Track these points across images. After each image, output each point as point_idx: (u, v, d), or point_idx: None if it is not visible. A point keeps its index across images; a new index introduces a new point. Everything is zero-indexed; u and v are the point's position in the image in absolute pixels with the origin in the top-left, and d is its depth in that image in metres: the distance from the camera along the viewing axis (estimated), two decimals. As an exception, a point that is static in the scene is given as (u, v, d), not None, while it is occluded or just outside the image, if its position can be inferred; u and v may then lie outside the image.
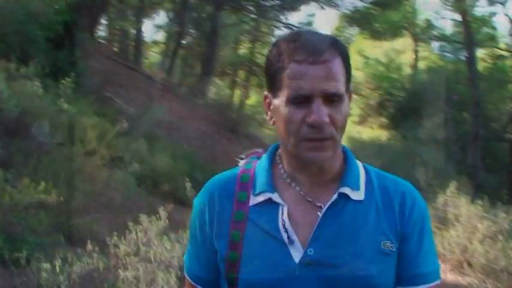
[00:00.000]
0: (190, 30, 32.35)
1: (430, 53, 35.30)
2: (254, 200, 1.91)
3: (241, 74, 37.44)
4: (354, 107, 37.61)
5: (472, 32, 23.43)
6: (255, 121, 28.29)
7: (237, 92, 36.05)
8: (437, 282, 1.95)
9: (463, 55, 24.11)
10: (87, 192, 8.16)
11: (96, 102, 13.62)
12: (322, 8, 28.81)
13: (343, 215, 1.86)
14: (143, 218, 6.28)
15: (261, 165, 2.00)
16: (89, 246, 5.79)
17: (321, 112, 1.74)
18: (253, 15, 32.22)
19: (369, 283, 1.82)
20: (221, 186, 1.98)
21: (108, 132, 10.87)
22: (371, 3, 27.22)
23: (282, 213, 1.86)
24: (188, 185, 9.40)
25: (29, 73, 10.85)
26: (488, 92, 24.86)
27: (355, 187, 1.90)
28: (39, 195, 6.97)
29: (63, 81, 11.31)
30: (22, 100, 9.17)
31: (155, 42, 36.95)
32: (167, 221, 6.38)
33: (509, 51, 25.86)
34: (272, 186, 1.91)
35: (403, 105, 26.59)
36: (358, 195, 1.90)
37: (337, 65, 1.80)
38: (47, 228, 6.85)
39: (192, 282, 2.06)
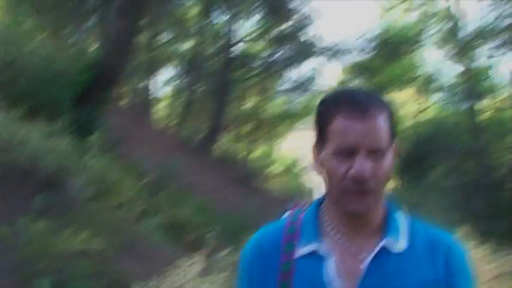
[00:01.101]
0: (199, 86, 33.04)
1: (433, 104, 35.71)
2: (300, 252, 1.96)
3: (247, 127, 38.09)
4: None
5: (473, 83, 23.88)
6: (261, 175, 28.87)
7: (243, 146, 36.63)
8: None
9: (465, 106, 24.53)
10: (121, 243, 8.75)
11: (115, 158, 14.19)
12: (328, 61, 29.55)
13: (386, 267, 1.91)
14: (180, 262, 6.88)
15: (307, 217, 2.06)
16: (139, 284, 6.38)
17: (364, 166, 1.83)
18: (259, 70, 33.04)
19: None
20: (269, 238, 2.05)
21: (132, 186, 11.50)
22: (374, 56, 27.87)
23: (328, 265, 1.92)
24: (211, 235, 9.95)
25: (57, 130, 11.39)
26: (489, 142, 25.06)
27: (397, 238, 1.95)
28: (80, 244, 7.58)
29: (89, 138, 11.90)
30: (56, 156, 9.80)
31: (163, 98, 37.46)
32: (204, 264, 6.97)
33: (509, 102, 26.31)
34: (318, 238, 1.98)
35: (407, 156, 26.43)
36: (399, 246, 1.94)
37: (382, 121, 1.87)
38: (90, 275, 7.42)
39: None
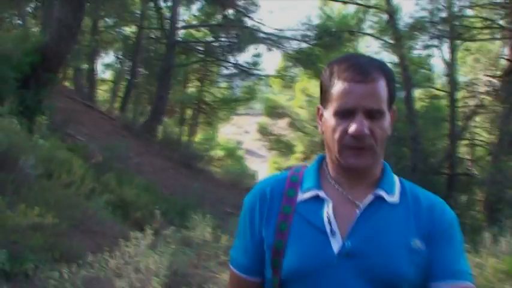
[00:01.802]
0: (141, 70, 33.17)
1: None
2: (302, 196, 2.13)
3: (190, 112, 38.28)
4: (298, 144, 38.59)
5: (409, 73, 24.44)
6: (204, 157, 29.19)
7: (186, 130, 36.77)
8: (469, 284, 2.04)
9: (402, 95, 25.12)
10: (72, 218, 9.09)
11: (62, 138, 14.44)
12: (269, 49, 29.82)
13: (379, 214, 2.07)
14: (129, 237, 7.30)
15: (309, 169, 2.24)
16: (90, 258, 6.79)
17: (362, 125, 1.98)
18: (202, 55, 33.25)
19: (396, 274, 1.99)
20: (272, 184, 2.22)
21: (80, 166, 11.80)
22: (315, 44, 28.27)
23: (327, 208, 2.07)
24: (158, 212, 10.35)
25: (4, 111, 11.59)
26: (425, 129, 25.73)
27: (390, 192, 2.12)
28: (34, 218, 7.92)
29: (38, 118, 12.14)
30: (6, 136, 10.07)
31: (104, 81, 37.38)
32: (154, 237, 7.40)
33: (444, 91, 26.91)
34: (319, 185, 2.14)
35: None
36: (392, 199, 2.11)
37: (381, 86, 2.03)
38: (44, 247, 7.77)
39: (237, 272, 2.26)
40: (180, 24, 31.14)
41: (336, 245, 2.02)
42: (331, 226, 2.03)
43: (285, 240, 2.07)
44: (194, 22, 33.19)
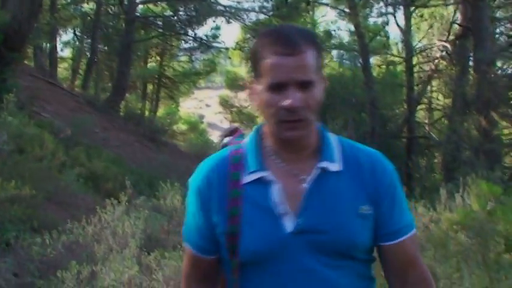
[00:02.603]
0: (101, 46, 33.22)
1: (331, 61, 36.88)
2: (247, 179, 2.11)
3: (151, 86, 38.45)
4: (259, 115, 38.99)
5: (365, 41, 24.83)
6: (167, 131, 29.49)
7: (147, 105, 36.95)
8: (413, 231, 2.16)
9: (359, 62, 25.51)
10: (46, 191, 9.47)
11: (29, 116, 14.69)
12: (228, 22, 30.01)
13: (325, 187, 2.07)
14: (108, 202, 7.71)
15: (249, 146, 2.20)
16: (69, 225, 7.19)
17: (295, 98, 1.96)
18: (161, 30, 33.35)
19: (351, 243, 2.05)
20: (215, 168, 2.18)
21: (49, 141, 12.14)
22: (272, 15, 28.51)
23: (273, 190, 2.06)
24: (128, 183, 10.71)
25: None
26: (383, 94, 26.21)
27: (332, 160, 2.11)
28: (12, 191, 8.28)
29: (6, 96, 12.38)
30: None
31: (63, 59, 37.26)
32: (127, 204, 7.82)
33: (400, 57, 27.58)
34: (262, 165, 2.11)
35: None
36: (335, 166, 2.10)
37: (310, 56, 2.01)
38: (21, 218, 8.13)
39: (194, 251, 2.25)
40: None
41: (288, 224, 2.04)
42: (281, 207, 2.04)
43: (239, 226, 2.07)
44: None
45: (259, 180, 2.09)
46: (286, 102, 1.96)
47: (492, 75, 19.43)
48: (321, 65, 2.10)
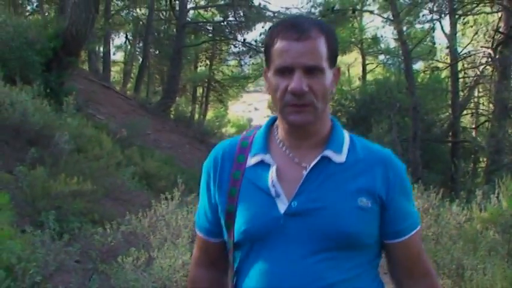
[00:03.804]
0: (152, 50, 33.98)
1: (377, 66, 37.04)
2: (250, 162, 2.17)
3: (200, 90, 39.00)
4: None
5: (408, 47, 24.97)
6: (216, 134, 30.10)
7: (197, 108, 37.41)
8: (418, 228, 2.19)
9: (404, 67, 25.71)
10: (104, 187, 10.18)
11: (87, 117, 15.44)
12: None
13: (325, 174, 2.09)
14: (162, 196, 8.36)
15: (259, 133, 2.26)
16: (127, 217, 7.87)
17: (300, 82, 1.99)
18: (211, 35, 33.91)
19: (343, 232, 2.03)
20: (224, 150, 2.26)
21: (106, 141, 12.85)
22: (322, 20, 28.80)
23: (271, 172, 2.10)
24: (180, 181, 11.32)
25: (33, 94, 12.52)
26: (426, 100, 26.48)
27: (338, 151, 2.11)
28: (75, 186, 8.98)
29: (65, 99, 13.09)
30: (41, 115, 11.11)
31: (115, 62, 38.04)
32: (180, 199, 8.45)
33: (445, 63, 27.68)
34: (266, 149, 2.17)
35: (353, 115, 27.52)
36: (340, 158, 2.11)
37: (319, 43, 2.03)
38: (83, 211, 8.84)
39: (201, 234, 2.36)
40: (189, 5, 31.88)
41: (281, 206, 2.06)
42: (275, 189, 2.07)
43: (236, 205, 2.13)
44: (202, 2, 33.94)
45: (260, 163, 2.15)
46: (292, 85, 2.00)
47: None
48: (334, 55, 2.12)
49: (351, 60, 38.32)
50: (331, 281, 2.02)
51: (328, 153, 2.10)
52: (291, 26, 2.04)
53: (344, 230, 2.02)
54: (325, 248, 2.03)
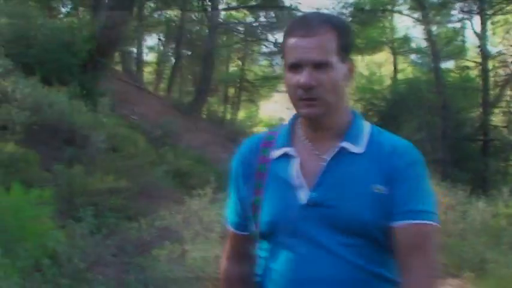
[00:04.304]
0: (184, 51, 34.29)
1: (408, 65, 37.01)
2: (275, 155, 2.22)
3: (232, 90, 39.21)
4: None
5: (437, 46, 24.92)
6: (248, 134, 30.32)
7: (229, 108, 37.64)
8: (424, 222, 2.07)
9: (435, 66, 25.69)
10: (138, 185, 10.52)
11: (121, 117, 15.83)
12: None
13: (343, 165, 2.12)
14: (194, 192, 8.66)
15: (284, 128, 2.31)
16: (161, 213, 8.19)
17: (308, 77, 2.03)
18: (242, 36, 34.18)
19: (360, 220, 2.06)
20: (251, 145, 2.32)
21: (141, 140, 13.24)
22: (352, 21, 29.00)
23: (293, 164, 2.16)
24: (212, 179, 11.62)
25: (70, 95, 12.88)
26: (455, 98, 26.50)
27: (355, 142, 2.14)
28: (111, 183, 9.34)
29: (100, 100, 13.45)
30: (77, 116, 11.49)
31: (148, 63, 38.42)
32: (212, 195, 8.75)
33: (475, 62, 27.73)
34: (289, 143, 2.22)
35: (384, 114, 27.63)
36: (358, 149, 2.14)
37: (328, 38, 2.07)
38: (119, 208, 9.17)
39: (231, 228, 2.39)
40: (221, 6, 32.19)
41: (303, 196, 2.10)
42: (298, 180, 2.12)
43: (261, 197, 2.18)
44: (234, 4, 34.18)
45: (284, 156, 2.19)
46: (301, 80, 2.04)
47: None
48: (346, 49, 2.15)
49: (381, 60, 38.39)
50: (357, 264, 2.06)
51: (346, 144, 2.13)
52: (299, 23, 2.12)
53: (360, 218, 2.05)
54: (348, 236, 2.05)
